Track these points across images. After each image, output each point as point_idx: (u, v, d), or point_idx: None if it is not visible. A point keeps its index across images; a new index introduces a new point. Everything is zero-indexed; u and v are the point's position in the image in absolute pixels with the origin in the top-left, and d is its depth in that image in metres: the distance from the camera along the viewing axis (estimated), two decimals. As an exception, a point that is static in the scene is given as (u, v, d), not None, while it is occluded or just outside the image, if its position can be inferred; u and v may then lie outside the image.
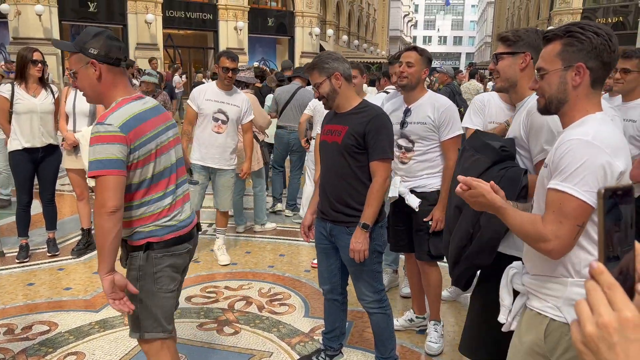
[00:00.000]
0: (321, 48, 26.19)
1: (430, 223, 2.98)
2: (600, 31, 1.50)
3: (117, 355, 2.99)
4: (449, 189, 2.87)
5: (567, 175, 1.44)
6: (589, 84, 1.53)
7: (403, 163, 3.06)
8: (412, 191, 3.04)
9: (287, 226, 5.62)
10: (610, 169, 1.43)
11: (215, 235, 4.75)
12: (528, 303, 1.66)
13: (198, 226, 2.35)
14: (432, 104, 2.94)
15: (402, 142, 3.03)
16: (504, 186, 1.79)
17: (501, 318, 1.79)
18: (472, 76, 10.51)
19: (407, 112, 2.99)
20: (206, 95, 4.34)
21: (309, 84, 6.65)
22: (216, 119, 4.34)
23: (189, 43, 23.35)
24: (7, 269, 4.29)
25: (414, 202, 2.98)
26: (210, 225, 5.44)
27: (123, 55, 2.13)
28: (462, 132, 2.90)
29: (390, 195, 3.03)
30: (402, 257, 4.26)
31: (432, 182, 3.02)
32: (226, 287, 4.02)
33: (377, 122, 2.51)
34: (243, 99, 4.46)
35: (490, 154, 1.94)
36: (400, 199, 3.06)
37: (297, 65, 16.17)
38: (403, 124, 3.00)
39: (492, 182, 1.57)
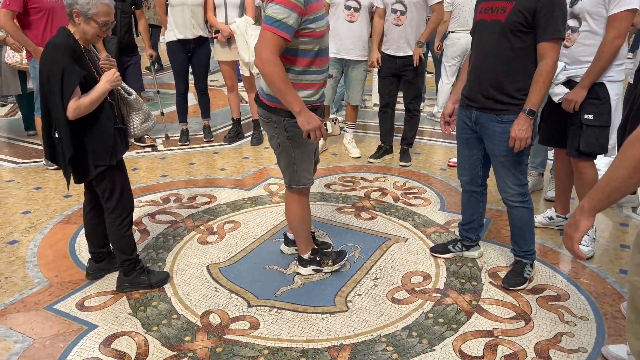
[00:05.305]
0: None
1: (585, 117, 2.74)
2: None
3: (267, 227, 3.32)
4: (600, 71, 2.67)
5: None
6: None
7: (566, 47, 2.80)
8: (571, 81, 2.81)
9: (424, 127, 5.53)
10: None
11: (345, 130, 4.82)
12: None
13: None
14: None
15: (571, 22, 2.76)
16: None
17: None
18: None
19: None
20: None
21: None
22: (348, 7, 4.26)
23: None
24: (172, 149, 4.87)
25: (559, 91, 2.83)
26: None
27: None
28: (635, 6, 2.54)
29: None
30: (549, 161, 4.02)
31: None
32: (362, 179, 4.16)
33: None
34: None
35: None
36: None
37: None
38: (573, 2, 2.72)
39: None
